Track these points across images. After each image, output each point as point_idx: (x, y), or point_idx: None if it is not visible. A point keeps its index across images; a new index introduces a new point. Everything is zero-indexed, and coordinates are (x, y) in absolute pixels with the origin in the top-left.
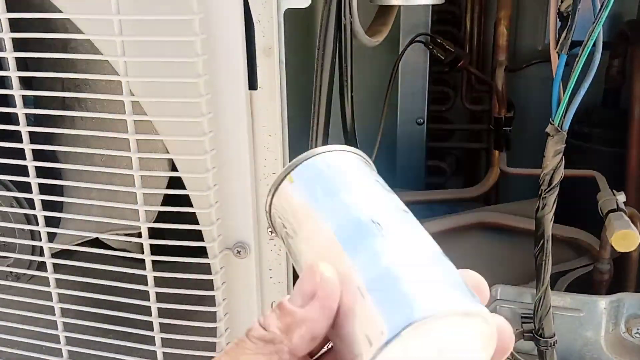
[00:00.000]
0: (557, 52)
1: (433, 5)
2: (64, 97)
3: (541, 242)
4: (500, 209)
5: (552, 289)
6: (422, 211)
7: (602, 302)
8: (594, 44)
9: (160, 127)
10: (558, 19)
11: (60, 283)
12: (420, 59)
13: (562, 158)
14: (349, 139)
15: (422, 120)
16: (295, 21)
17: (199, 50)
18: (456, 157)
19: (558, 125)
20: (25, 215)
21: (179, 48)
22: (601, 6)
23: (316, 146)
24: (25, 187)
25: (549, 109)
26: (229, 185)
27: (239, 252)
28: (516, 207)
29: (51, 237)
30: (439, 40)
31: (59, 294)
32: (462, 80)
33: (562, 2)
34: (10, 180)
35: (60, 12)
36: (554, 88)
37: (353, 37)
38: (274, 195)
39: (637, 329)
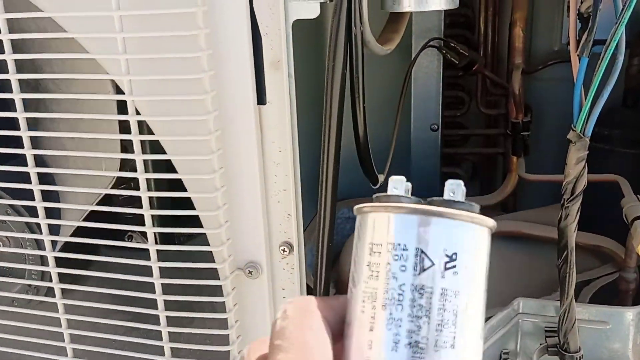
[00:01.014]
0: (577, 55)
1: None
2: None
3: (564, 253)
4: (519, 217)
5: (576, 299)
6: None
7: (629, 314)
8: (616, 46)
9: (167, 146)
10: (578, 20)
11: (68, 307)
12: (433, 63)
13: (585, 166)
14: (362, 151)
15: (436, 127)
16: (304, 32)
17: (205, 66)
18: (472, 163)
19: (580, 132)
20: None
21: (184, 64)
22: (624, 6)
23: (327, 162)
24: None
25: (567, 111)
26: (238, 204)
27: (250, 272)
28: (536, 215)
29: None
30: (452, 44)
31: (67, 319)
32: (477, 84)
33: (582, 2)
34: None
35: (64, 30)
36: (575, 92)
37: (364, 46)
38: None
39: None
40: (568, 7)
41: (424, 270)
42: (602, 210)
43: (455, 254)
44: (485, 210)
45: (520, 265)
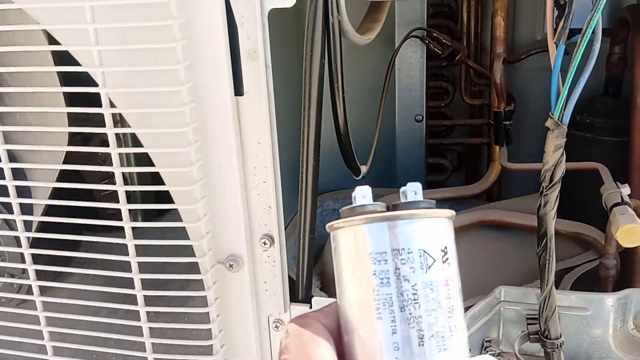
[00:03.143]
0: (554, 43)
1: None
2: None
3: (544, 240)
4: (502, 206)
5: (557, 287)
6: None
7: (609, 300)
8: (593, 32)
9: (143, 139)
10: (555, 8)
11: (47, 305)
12: (416, 54)
13: (563, 153)
14: (343, 143)
15: (420, 117)
16: (281, 22)
17: (180, 56)
18: (457, 153)
19: (558, 119)
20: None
21: (159, 55)
22: None
23: (307, 153)
24: None
25: (549, 100)
26: (218, 197)
27: (231, 265)
28: (518, 203)
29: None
30: (435, 34)
31: (46, 317)
32: (461, 74)
33: None
34: None
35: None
36: (552, 80)
37: (342, 36)
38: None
39: None
40: None
41: (429, 267)
42: (583, 198)
43: (446, 247)
44: (469, 200)
45: (503, 253)
